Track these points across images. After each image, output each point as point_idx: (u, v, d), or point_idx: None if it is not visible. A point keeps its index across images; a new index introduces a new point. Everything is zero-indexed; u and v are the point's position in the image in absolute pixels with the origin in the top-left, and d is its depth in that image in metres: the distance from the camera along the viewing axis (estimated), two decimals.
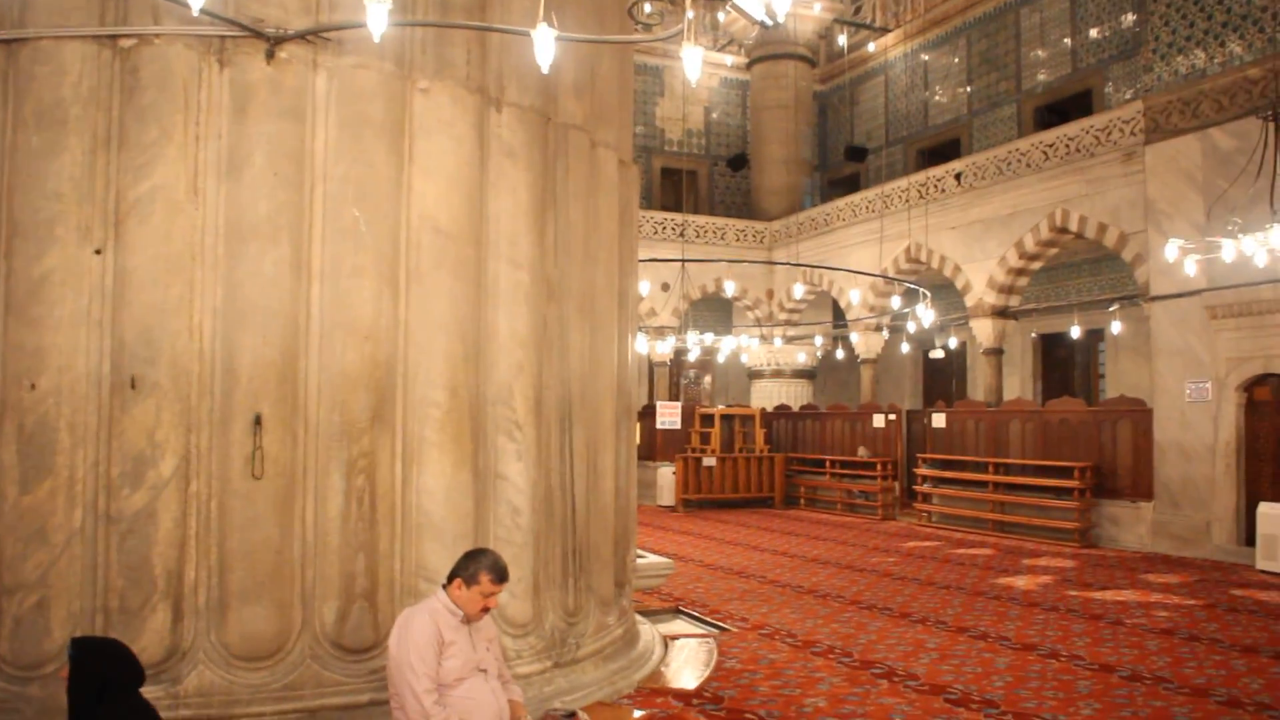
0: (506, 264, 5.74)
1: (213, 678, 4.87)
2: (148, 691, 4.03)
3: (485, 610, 4.36)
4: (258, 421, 4.93)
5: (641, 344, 18.19)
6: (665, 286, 21.15)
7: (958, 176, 18.07)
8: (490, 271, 5.69)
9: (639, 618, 7.50)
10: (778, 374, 23.98)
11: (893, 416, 18.66)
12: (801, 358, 23.55)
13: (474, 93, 5.65)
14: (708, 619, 8.62)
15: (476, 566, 4.36)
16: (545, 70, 4.55)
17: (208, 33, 4.99)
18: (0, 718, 4.71)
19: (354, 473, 5.13)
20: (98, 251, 4.89)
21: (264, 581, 4.93)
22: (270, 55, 5.07)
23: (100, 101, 4.98)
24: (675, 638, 7.69)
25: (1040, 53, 20.46)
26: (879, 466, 17.98)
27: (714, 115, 26.98)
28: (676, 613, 8.96)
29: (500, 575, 4.37)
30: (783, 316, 23.30)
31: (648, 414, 19.78)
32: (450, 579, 4.40)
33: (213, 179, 5.00)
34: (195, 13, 4.18)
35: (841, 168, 26.44)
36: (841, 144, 26.05)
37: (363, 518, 5.15)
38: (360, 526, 5.14)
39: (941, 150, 22.65)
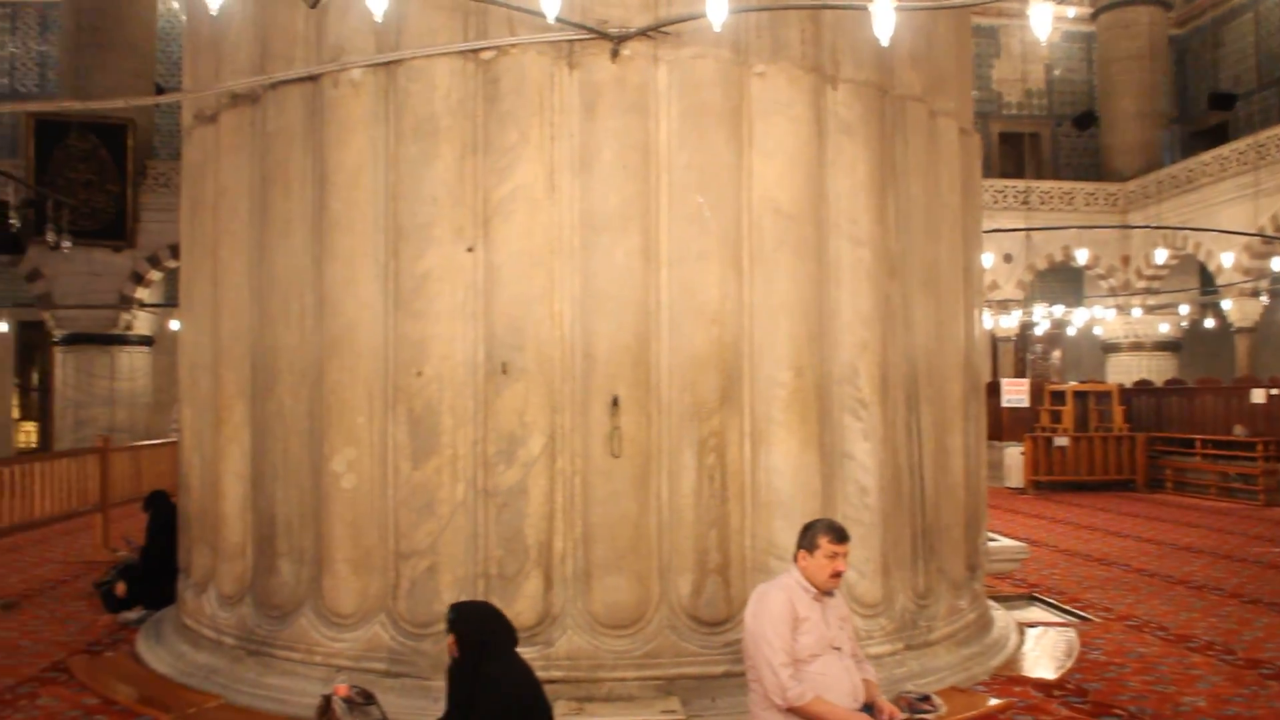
0: (847, 242, 5.71)
1: (580, 643, 5.20)
2: (524, 652, 4.37)
3: (836, 576, 4.36)
4: (615, 403, 5.21)
5: (985, 319, 17.52)
6: (1008, 258, 20.18)
7: None
8: (831, 250, 5.67)
9: (991, 603, 7.23)
10: (1136, 347, 22.26)
11: (1275, 391, 16.77)
12: (1164, 328, 21.75)
13: (809, 72, 5.65)
14: (1066, 607, 8.15)
15: (812, 533, 4.40)
16: (885, 43, 4.48)
17: (557, 38, 5.29)
18: (399, 668, 5.27)
19: (705, 451, 5.30)
20: (469, 249, 5.33)
21: (624, 554, 5.21)
22: (615, 54, 5.31)
23: (466, 111, 5.41)
24: (1031, 625, 7.34)
25: None
26: (1259, 446, 16.20)
27: (1055, 73, 25.40)
28: (1030, 599, 8.54)
29: (838, 534, 4.37)
30: (1141, 284, 21.59)
31: (993, 392, 18.95)
32: (795, 555, 4.46)
33: (567, 176, 5.31)
34: (551, 20, 4.46)
35: (1205, 118, 24.06)
36: (1204, 92, 23.71)
37: (714, 495, 5.31)
38: (712, 503, 5.31)
39: None
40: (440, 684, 4.99)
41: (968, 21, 7.25)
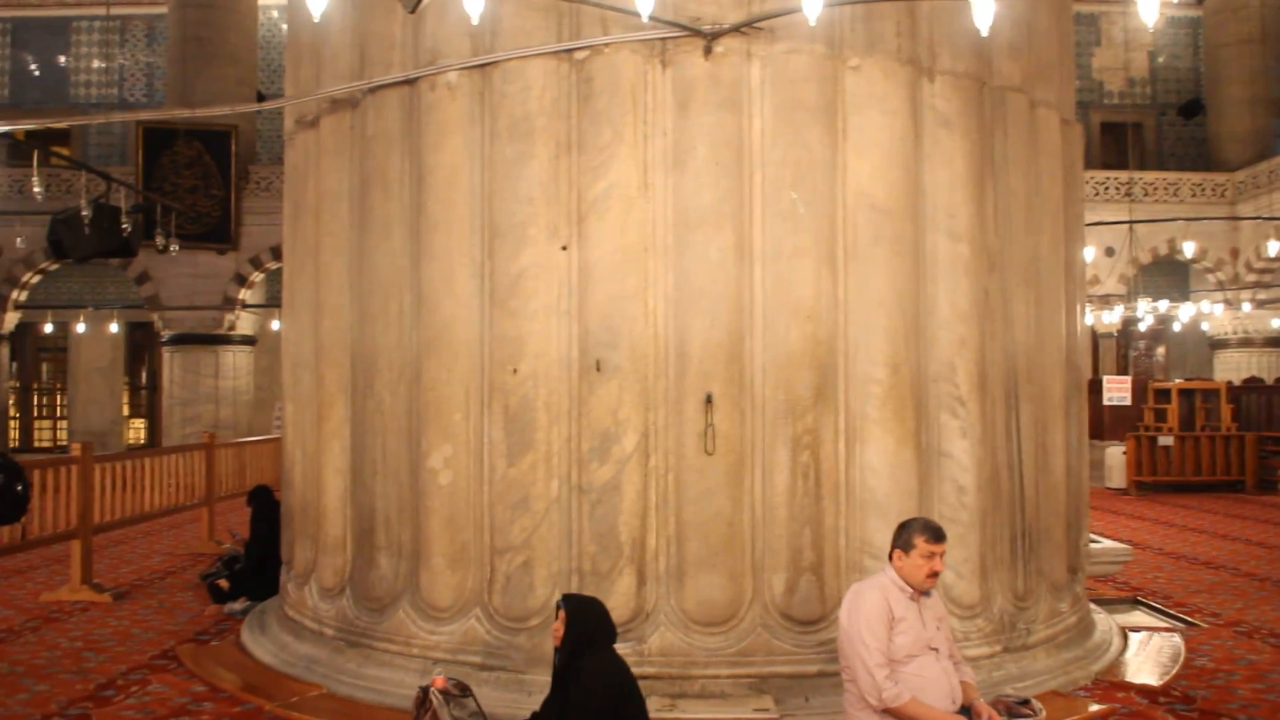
0: (944, 237, 5.61)
1: (673, 639, 5.21)
2: (617, 648, 4.38)
3: (933, 576, 4.30)
4: (708, 400, 5.20)
5: (1086, 315, 17.09)
6: (1110, 251, 19.63)
7: None
8: (928, 245, 5.58)
9: (1093, 606, 7.04)
10: (1246, 343, 21.47)
11: None
12: (1275, 324, 20.90)
13: (905, 64, 5.56)
14: (1171, 611, 7.90)
15: (908, 532, 4.35)
16: (984, 33, 4.38)
17: (650, 36, 5.29)
18: (494, 662, 5.34)
19: (799, 449, 5.26)
20: (564, 248, 5.37)
21: (717, 551, 5.20)
22: (708, 51, 5.30)
23: (560, 111, 5.44)
24: (1134, 629, 7.13)
25: None
26: None
27: (1159, 60, 24.59)
28: (1134, 603, 8.30)
29: (935, 534, 4.31)
30: (1251, 278, 20.79)
31: (1094, 390, 18.44)
32: (890, 554, 4.41)
33: (660, 173, 5.32)
34: (644, 19, 4.47)
35: None
36: None
37: (808, 493, 5.27)
38: (806, 502, 5.26)
39: None
40: (534, 677, 5.09)
41: (1069, 9, 7.07)
